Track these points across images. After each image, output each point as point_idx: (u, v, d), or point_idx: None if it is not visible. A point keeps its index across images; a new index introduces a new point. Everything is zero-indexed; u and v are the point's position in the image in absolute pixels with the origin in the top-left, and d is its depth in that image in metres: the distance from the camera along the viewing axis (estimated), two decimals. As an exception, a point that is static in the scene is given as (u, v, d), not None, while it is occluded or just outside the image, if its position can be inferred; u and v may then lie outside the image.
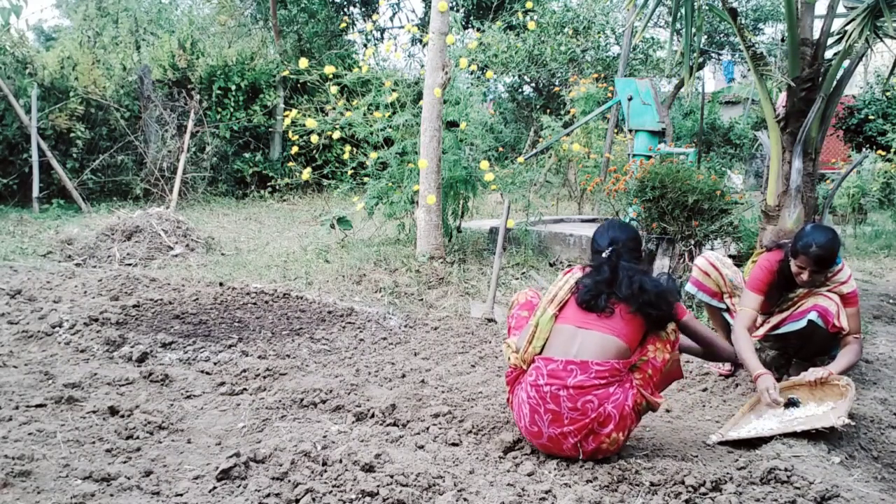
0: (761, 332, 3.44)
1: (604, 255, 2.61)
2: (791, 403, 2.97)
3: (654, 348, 2.54)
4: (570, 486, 2.30)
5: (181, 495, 2.11)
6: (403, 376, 3.51)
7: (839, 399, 2.91)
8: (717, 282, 3.69)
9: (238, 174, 11.65)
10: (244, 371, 3.39)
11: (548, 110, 13.41)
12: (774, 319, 3.39)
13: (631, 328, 2.51)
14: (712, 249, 5.01)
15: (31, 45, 11.15)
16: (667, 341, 2.57)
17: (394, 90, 6.67)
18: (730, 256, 4.05)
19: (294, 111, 7.18)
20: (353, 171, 7.06)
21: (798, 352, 3.48)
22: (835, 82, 4.20)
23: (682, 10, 4.22)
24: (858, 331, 3.29)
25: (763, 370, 3.06)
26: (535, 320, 2.58)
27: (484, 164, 6.27)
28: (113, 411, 2.76)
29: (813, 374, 3.04)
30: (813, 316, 3.17)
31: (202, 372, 3.41)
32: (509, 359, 2.63)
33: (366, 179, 7.02)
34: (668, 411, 3.18)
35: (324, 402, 3.02)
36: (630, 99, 7.47)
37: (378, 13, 14.99)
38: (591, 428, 2.40)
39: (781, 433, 2.71)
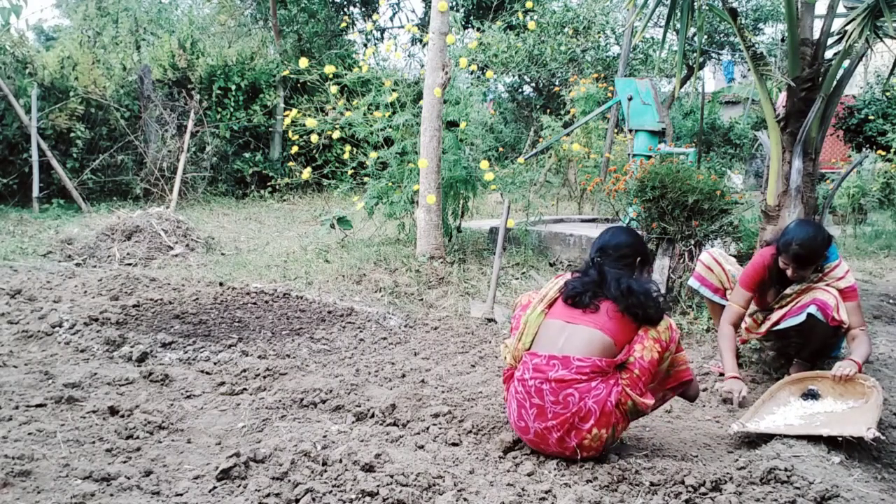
0: (763, 329, 3.45)
1: (588, 260, 2.75)
2: (810, 395, 2.95)
3: (642, 347, 2.50)
4: (570, 486, 2.30)
5: (181, 495, 2.11)
6: (403, 376, 3.51)
7: (860, 398, 2.86)
8: (719, 277, 3.71)
9: (238, 174, 11.65)
10: (244, 371, 3.39)
11: (548, 110, 13.41)
12: (774, 316, 3.40)
13: (617, 325, 2.52)
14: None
15: (31, 45, 11.14)
16: (657, 340, 2.51)
17: (394, 90, 6.67)
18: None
19: (294, 111, 7.18)
20: (353, 171, 7.06)
21: (799, 351, 3.48)
22: (835, 82, 4.20)
23: (679, 12, 4.22)
24: (863, 323, 3.28)
25: (736, 373, 3.19)
26: (525, 318, 2.65)
27: (484, 164, 6.27)
28: (113, 411, 2.76)
29: (839, 369, 2.98)
30: (812, 309, 3.17)
31: (202, 372, 3.41)
32: (505, 358, 2.67)
33: (366, 179, 7.02)
34: (668, 411, 3.18)
35: (324, 401, 3.02)
36: (630, 99, 7.47)
37: (378, 13, 14.99)
38: (572, 422, 2.41)
39: (803, 434, 2.64)
